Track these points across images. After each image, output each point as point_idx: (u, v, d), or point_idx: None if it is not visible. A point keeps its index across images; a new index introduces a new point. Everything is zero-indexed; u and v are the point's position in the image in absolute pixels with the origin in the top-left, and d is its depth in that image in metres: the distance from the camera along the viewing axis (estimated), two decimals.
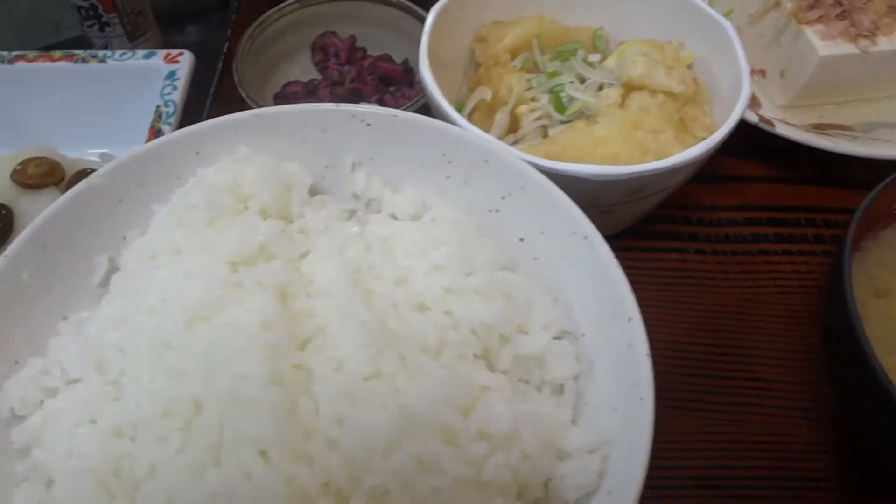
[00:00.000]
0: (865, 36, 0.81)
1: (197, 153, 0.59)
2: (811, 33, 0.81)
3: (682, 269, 0.75)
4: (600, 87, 0.71)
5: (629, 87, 0.69)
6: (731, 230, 0.78)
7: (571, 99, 0.70)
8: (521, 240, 0.57)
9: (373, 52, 0.86)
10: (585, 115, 0.69)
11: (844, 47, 0.80)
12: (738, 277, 0.74)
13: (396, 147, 0.60)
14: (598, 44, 0.77)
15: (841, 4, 0.81)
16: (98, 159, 0.77)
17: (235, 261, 0.50)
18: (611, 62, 0.72)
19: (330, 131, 0.60)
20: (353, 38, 0.85)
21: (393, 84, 0.84)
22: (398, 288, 0.52)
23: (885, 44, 0.81)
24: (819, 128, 0.84)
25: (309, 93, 0.81)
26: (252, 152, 0.58)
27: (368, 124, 0.60)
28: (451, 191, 0.59)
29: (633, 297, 0.49)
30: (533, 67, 0.75)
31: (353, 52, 0.85)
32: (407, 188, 0.60)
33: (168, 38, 0.91)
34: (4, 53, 0.78)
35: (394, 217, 0.59)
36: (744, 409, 0.66)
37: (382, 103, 0.80)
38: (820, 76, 0.82)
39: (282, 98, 0.82)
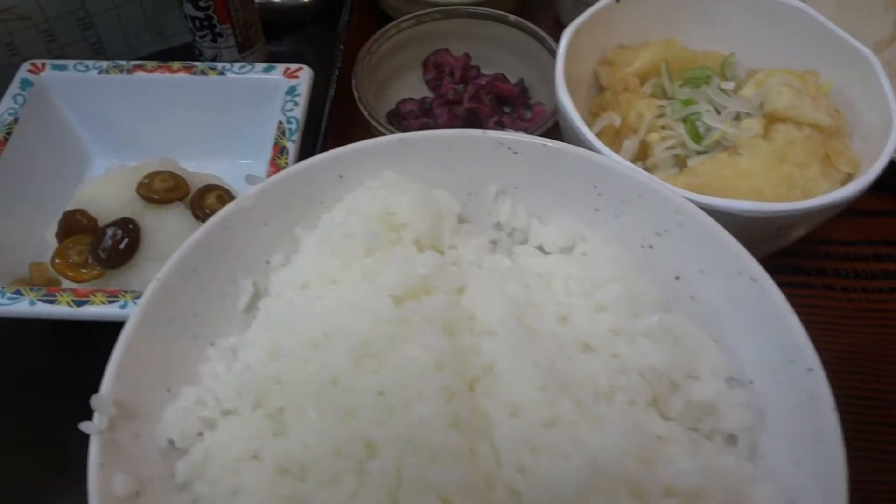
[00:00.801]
0: None
1: (341, 177, 0.58)
2: None
3: (810, 307, 0.72)
4: (736, 117, 0.69)
5: (771, 119, 0.67)
6: (860, 266, 0.75)
7: (708, 128, 0.68)
8: (677, 278, 0.55)
9: (485, 70, 0.85)
10: (723, 145, 0.67)
11: None
12: (870, 316, 0.72)
13: (543, 177, 0.58)
14: (727, 70, 0.75)
15: None
16: (214, 173, 0.76)
17: (399, 295, 0.48)
18: (748, 91, 0.70)
19: (475, 158, 0.59)
20: (467, 57, 0.84)
21: (508, 104, 0.83)
22: (561, 327, 0.50)
23: None
24: None
25: (424, 112, 0.80)
26: (399, 178, 0.57)
27: (516, 153, 0.58)
28: (600, 224, 0.57)
29: (812, 346, 0.47)
30: (661, 94, 0.73)
31: (467, 71, 0.83)
32: (555, 219, 0.58)
33: None
34: (123, 63, 0.77)
35: (541, 249, 0.58)
36: (886, 456, 0.63)
37: (500, 125, 0.78)
38: None
39: (396, 116, 0.80)
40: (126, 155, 0.80)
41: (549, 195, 0.58)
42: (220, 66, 0.77)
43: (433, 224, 0.54)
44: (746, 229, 0.61)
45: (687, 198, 0.56)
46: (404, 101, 0.82)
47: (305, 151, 0.73)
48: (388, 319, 0.47)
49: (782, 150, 0.64)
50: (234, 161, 0.80)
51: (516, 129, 0.77)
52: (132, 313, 0.49)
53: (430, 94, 0.84)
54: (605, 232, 0.57)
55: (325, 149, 0.76)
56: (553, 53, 0.80)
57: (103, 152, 0.81)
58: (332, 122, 0.79)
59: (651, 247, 0.56)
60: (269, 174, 0.68)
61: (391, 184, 0.56)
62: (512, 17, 0.82)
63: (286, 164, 0.69)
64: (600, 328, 0.49)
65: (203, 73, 0.77)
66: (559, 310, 0.51)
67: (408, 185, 0.56)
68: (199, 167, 0.78)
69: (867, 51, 0.69)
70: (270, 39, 0.96)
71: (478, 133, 0.58)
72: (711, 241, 0.53)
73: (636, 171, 0.57)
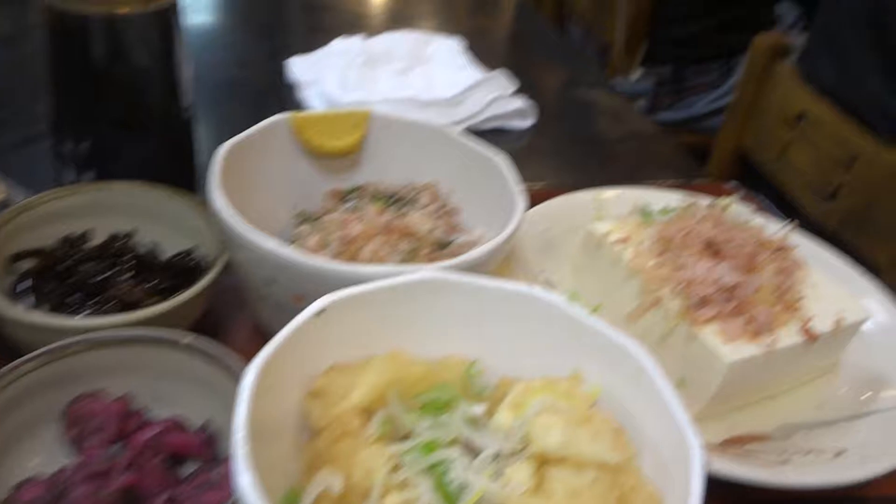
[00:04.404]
0: (765, 331, 0.69)
1: None
2: (709, 336, 0.68)
3: None
4: (496, 457, 0.51)
5: (542, 460, 0.49)
6: None
7: (463, 485, 0.48)
8: None
9: (156, 412, 0.61)
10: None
11: (749, 348, 0.68)
12: None
13: None
14: (472, 384, 0.58)
15: (732, 298, 0.70)
16: None
17: None
18: (504, 417, 0.52)
19: None
20: (124, 400, 0.60)
21: (189, 460, 0.59)
22: None
23: (785, 337, 0.70)
24: (736, 442, 0.69)
25: (54, 498, 0.53)
26: None
27: None
28: None
29: None
30: (394, 432, 0.54)
31: (127, 420, 0.59)
32: None
33: None
34: None
35: None
36: None
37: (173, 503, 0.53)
38: (729, 384, 0.68)
39: None
40: None
41: None
42: None
43: None
44: None
45: None
46: (27, 482, 0.55)
47: None
48: None
49: None
50: None
51: None
52: None
53: (74, 460, 0.58)
54: None
55: None
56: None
57: None
58: None
59: None
60: None
61: None
62: (185, 340, 0.60)
63: None
64: None
65: None
66: None
67: None
68: None
69: (633, 345, 0.56)
70: None
71: None
72: None
73: None
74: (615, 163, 1.23)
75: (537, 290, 0.60)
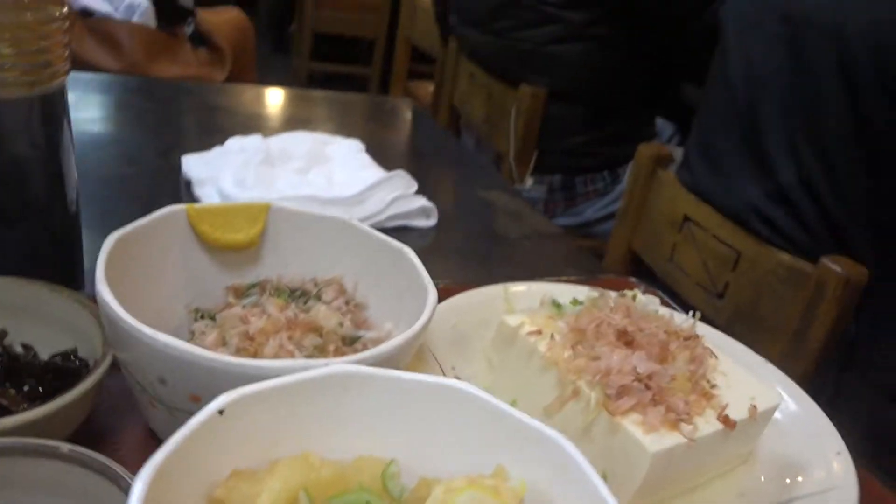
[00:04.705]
0: (684, 420, 0.68)
1: None
2: (631, 426, 0.66)
3: None
4: None
5: None
6: None
7: None
8: None
9: None
10: None
11: (671, 437, 0.66)
12: None
13: None
14: (391, 485, 0.53)
15: (649, 388, 0.68)
16: None
17: None
18: None
19: None
20: None
21: None
22: None
23: (704, 426, 0.69)
24: None
25: None
26: None
27: None
28: None
29: None
30: None
31: None
32: None
33: None
34: None
35: None
36: None
37: None
38: (653, 475, 0.66)
39: None
40: None
41: None
42: None
43: None
44: None
45: None
46: None
47: None
48: None
49: None
50: None
51: None
52: None
53: None
54: None
55: None
56: None
57: None
58: None
59: None
60: None
61: None
62: (63, 449, 0.53)
63: None
64: None
65: None
66: None
67: None
68: None
69: (558, 437, 0.53)
70: None
71: None
72: None
73: None
74: (517, 260, 1.23)
75: (455, 383, 0.57)
